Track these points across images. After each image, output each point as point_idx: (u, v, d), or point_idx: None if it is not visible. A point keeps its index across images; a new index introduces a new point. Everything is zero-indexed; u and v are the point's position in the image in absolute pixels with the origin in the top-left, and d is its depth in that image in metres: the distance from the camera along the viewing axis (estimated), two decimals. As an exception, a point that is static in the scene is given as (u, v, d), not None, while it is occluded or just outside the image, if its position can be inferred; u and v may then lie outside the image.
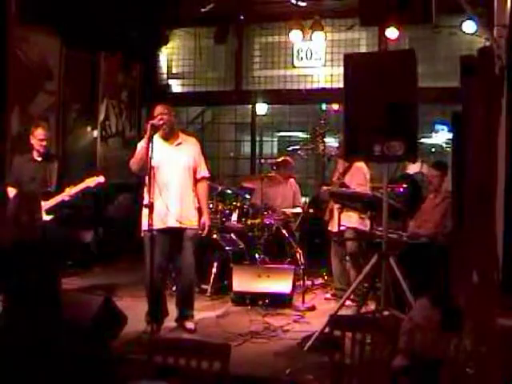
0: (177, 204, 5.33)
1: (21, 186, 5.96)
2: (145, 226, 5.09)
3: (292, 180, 8.18)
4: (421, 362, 2.89)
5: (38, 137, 6.02)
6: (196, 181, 5.50)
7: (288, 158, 8.06)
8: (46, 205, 5.87)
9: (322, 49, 9.32)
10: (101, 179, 6.02)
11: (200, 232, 5.48)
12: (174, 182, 5.35)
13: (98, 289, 6.83)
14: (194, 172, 5.49)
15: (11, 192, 5.90)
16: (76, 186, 5.96)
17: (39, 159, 6.11)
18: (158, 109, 5.35)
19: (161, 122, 5.25)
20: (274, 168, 8.01)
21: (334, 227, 6.63)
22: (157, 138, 5.25)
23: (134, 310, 5.30)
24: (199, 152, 5.60)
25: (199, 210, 5.49)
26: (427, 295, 3.11)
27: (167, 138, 5.42)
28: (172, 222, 5.33)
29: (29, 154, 6.12)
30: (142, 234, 5.22)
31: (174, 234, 5.39)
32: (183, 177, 5.40)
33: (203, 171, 5.57)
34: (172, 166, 5.36)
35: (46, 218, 5.87)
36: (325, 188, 6.59)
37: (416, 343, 2.94)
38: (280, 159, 8.07)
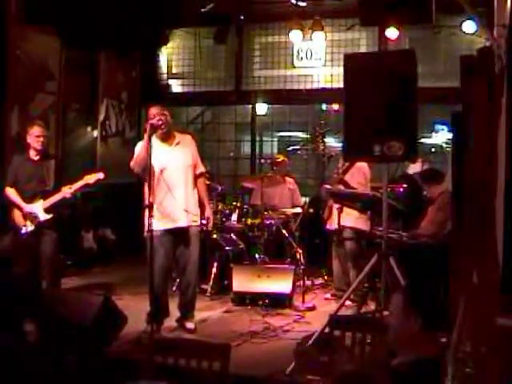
0: (184, 203, 5.36)
1: (18, 186, 5.93)
2: (147, 226, 5.10)
3: (290, 179, 8.19)
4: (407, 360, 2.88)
5: (34, 134, 5.90)
6: (196, 177, 5.54)
7: (284, 158, 8.08)
8: (44, 204, 5.86)
9: (322, 49, 9.31)
10: (100, 175, 5.95)
11: (205, 225, 5.53)
12: (180, 182, 5.38)
13: (98, 289, 6.84)
14: (194, 169, 5.53)
15: (9, 192, 5.92)
16: (75, 184, 5.89)
17: (36, 158, 5.99)
18: (153, 110, 5.35)
19: (160, 123, 5.27)
20: (274, 168, 8.02)
21: (331, 225, 6.64)
22: (155, 139, 5.25)
23: (134, 309, 5.30)
24: (196, 148, 5.65)
25: (201, 206, 5.52)
26: (403, 292, 3.09)
27: (165, 138, 5.44)
28: (180, 222, 5.37)
29: (25, 153, 6.01)
30: (145, 235, 5.22)
31: (180, 234, 5.41)
32: (187, 175, 5.44)
33: (201, 167, 5.63)
34: (176, 166, 5.38)
35: (46, 216, 5.86)
36: (326, 186, 6.57)
37: (397, 341, 2.94)
38: (279, 159, 8.07)
